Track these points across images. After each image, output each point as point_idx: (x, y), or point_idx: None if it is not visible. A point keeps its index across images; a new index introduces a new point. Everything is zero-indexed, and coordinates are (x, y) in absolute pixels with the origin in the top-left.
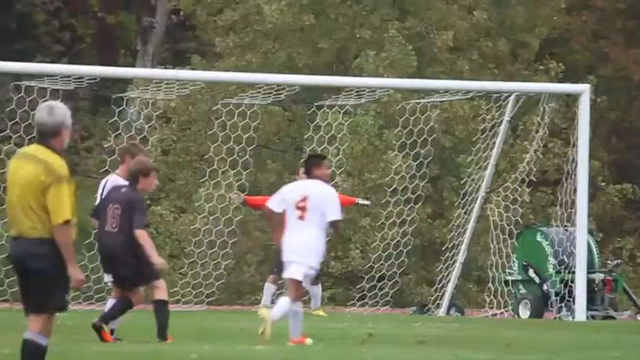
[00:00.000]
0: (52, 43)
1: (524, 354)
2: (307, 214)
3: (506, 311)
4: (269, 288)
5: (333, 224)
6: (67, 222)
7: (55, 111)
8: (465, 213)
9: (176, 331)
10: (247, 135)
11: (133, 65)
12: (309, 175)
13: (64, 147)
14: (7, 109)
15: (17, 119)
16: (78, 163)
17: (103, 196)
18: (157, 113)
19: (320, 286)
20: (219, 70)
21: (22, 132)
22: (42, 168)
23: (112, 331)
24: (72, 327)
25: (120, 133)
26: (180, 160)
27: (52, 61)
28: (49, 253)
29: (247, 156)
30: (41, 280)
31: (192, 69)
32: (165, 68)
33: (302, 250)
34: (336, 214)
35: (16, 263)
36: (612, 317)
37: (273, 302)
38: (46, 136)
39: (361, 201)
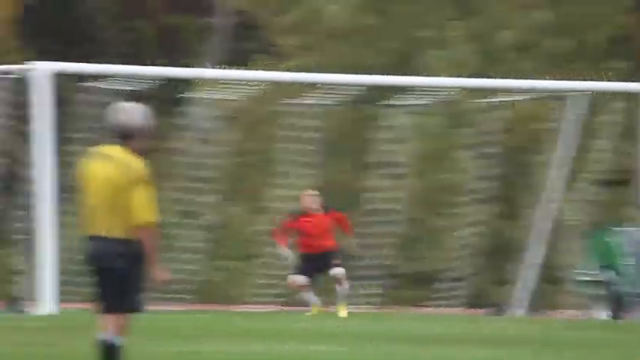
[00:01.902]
0: (118, 45)
1: (603, 355)
2: None
3: (581, 312)
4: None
5: None
6: (149, 223)
7: (133, 113)
8: (536, 213)
9: (248, 332)
10: (314, 136)
11: (196, 66)
12: None
13: (143, 148)
14: (75, 111)
15: (86, 121)
16: (149, 163)
17: None
18: (222, 114)
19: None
20: (283, 70)
21: (90, 133)
22: (121, 168)
23: None
24: (148, 327)
25: (187, 134)
26: (248, 161)
27: (117, 63)
28: (126, 253)
29: (314, 157)
30: (117, 279)
31: (257, 70)
32: (230, 69)
33: None
34: None
35: (92, 262)
36: None
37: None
38: (124, 137)
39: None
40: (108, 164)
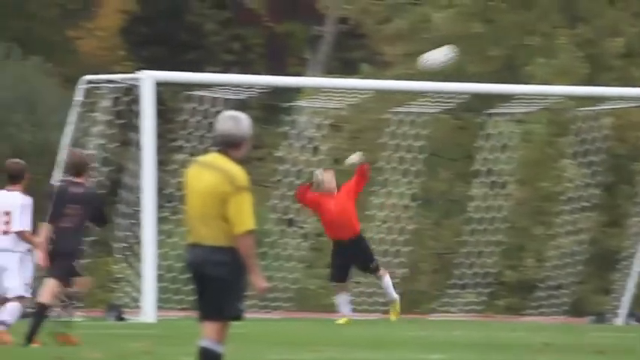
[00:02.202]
0: (223, 53)
1: None
2: None
3: None
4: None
5: None
6: (249, 231)
7: (241, 122)
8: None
9: (353, 340)
10: (418, 144)
11: (302, 74)
12: None
13: (242, 157)
14: (179, 119)
15: (190, 129)
16: (250, 172)
17: None
18: (327, 122)
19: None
20: (389, 78)
21: (194, 141)
22: (222, 177)
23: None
24: (246, 335)
25: (291, 142)
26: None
27: (223, 71)
28: (227, 261)
29: (418, 165)
30: (217, 287)
31: (362, 78)
32: (335, 77)
33: None
34: None
35: (193, 270)
36: None
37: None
38: (228, 145)
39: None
40: (210, 173)
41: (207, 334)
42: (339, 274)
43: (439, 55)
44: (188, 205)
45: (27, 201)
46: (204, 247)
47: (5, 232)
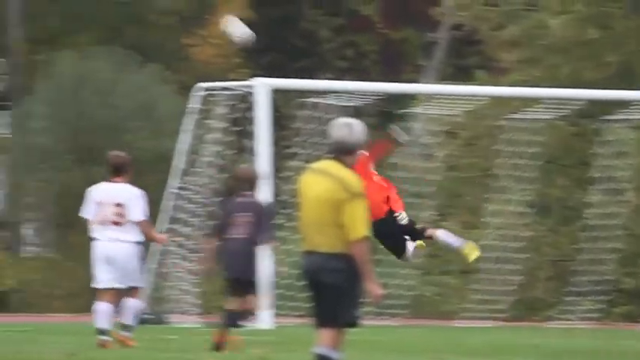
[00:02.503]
0: (337, 60)
1: None
2: None
3: None
4: None
5: None
6: (363, 238)
7: (355, 129)
8: None
9: (470, 347)
10: (533, 150)
11: (416, 81)
12: None
13: (354, 164)
14: (293, 126)
15: (304, 136)
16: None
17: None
18: (442, 129)
19: None
20: (504, 85)
21: (308, 148)
22: (338, 184)
23: None
24: (364, 342)
25: (406, 150)
26: (466, 176)
27: (337, 78)
28: (343, 268)
29: (534, 171)
30: (333, 294)
31: (477, 84)
32: (450, 84)
33: None
34: None
35: (309, 277)
36: None
37: None
38: (343, 152)
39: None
40: (325, 180)
41: (323, 341)
42: None
43: (237, 29)
44: (302, 212)
45: (140, 192)
46: (319, 255)
47: (116, 223)
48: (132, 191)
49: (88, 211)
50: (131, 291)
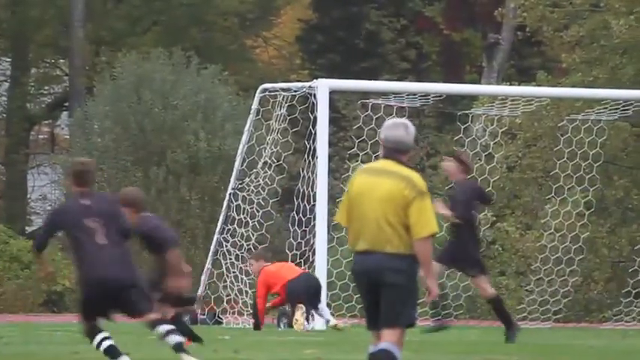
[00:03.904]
0: (399, 61)
1: None
2: None
3: None
4: None
5: None
6: (432, 235)
7: (410, 129)
8: None
9: (524, 347)
10: (594, 151)
11: (478, 82)
12: None
13: (409, 163)
14: (355, 127)
15: (364, 137)
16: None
17: None
18: (502, 130)
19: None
20: (565, 86)
21: (368, 149)
22: (404, 183)
23: None
24: (416, 342)
25: (465, 150)
26: (525, 177)
27: (398, 79)
28: (406, 268)
29: (594, 172)
30: (397, 294)
31: (538, 85)
32: (511, 84)
33: None
34: None
35: (367, 277)
36: None
37: None
38: (399, 152)
39: None
40: (389, 179)
41: (385, 339)
42: None
43: None
44: (358, 212)
45: None
46: (380, 254)
47: None
48: None
49: None
50: None
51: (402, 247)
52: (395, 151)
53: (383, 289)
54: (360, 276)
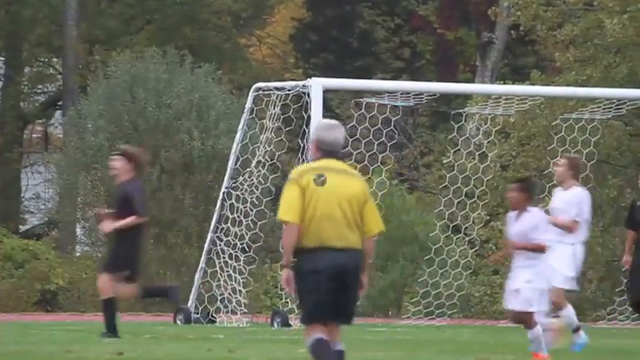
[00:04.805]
0: (392, 60)
1: None
2: None
3: None
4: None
5: None
6: (381, 232)
7: (343, 130)
8: None
9: (517, 347)
10: (587, 150)
11: (472, 81)
12: None
13: None
14: (348, 126)
15: (358, 136)
16: (417, 178)
17: None
18: (495, 129)
19: None
20: (559, 85)
21: (362, 148)
22: (363, 182)
23: None
24: (409, 341)
25: (459, 149)
26: (519, 176)
27: (392, 78)
28: (361, 264)
29: (587, 171)
30: (357, 291)
31: (532, 84)
32: (505, 83)
33: None
34: None
35: (337, 273)
36: None
37: None
38: (337, 153)
39: None
40: (353, 179)
41: (338, 338)
42: None
43: None
44: (323, 209)
45: None
46: (354, 252)
47: None
48: None
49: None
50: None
51: (360, 244)
52: (334, 153)
53: (349, 287)
54: (330, 272)
